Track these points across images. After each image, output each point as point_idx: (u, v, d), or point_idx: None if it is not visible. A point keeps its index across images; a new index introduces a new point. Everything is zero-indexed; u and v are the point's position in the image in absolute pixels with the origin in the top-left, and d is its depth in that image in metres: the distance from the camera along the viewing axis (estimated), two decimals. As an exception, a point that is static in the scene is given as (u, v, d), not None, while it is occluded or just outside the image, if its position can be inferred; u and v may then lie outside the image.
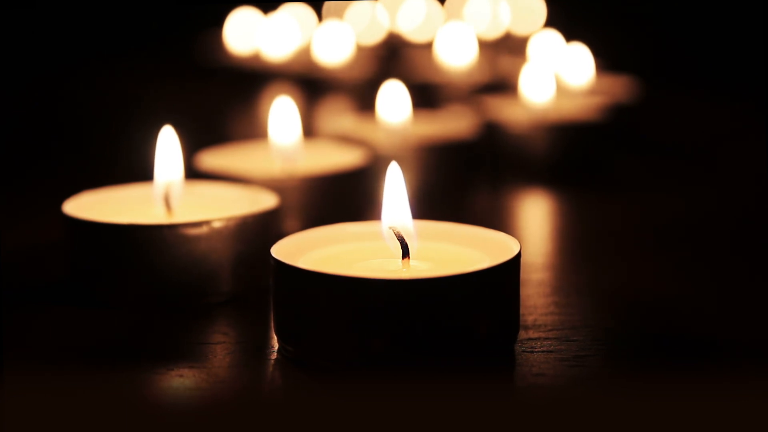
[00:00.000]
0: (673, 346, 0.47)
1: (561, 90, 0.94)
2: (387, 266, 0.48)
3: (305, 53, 1.34)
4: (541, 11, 1.58)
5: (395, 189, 0.49)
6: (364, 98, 1.13)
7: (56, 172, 0.88)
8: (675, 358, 0.46)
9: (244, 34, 1.45)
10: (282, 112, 0.70)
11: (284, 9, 1.51)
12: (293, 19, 1.44)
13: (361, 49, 1.36)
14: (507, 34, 1.52)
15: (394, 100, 0.81)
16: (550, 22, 1.54)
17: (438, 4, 1.61)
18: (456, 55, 1.20)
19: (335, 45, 1.31)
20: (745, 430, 0.39)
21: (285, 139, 0.70)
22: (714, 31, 1.45)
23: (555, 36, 1.17)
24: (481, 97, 0.94)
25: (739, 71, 1.35)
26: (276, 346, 0.47)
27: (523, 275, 0.51)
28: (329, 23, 1.41)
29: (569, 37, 1.16)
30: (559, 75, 1.00)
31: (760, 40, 1.30)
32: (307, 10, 1.54)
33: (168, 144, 0.58)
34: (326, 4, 1.59)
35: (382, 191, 0.49)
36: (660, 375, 0.44)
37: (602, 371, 0.45)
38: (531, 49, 1.17)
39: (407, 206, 0.49)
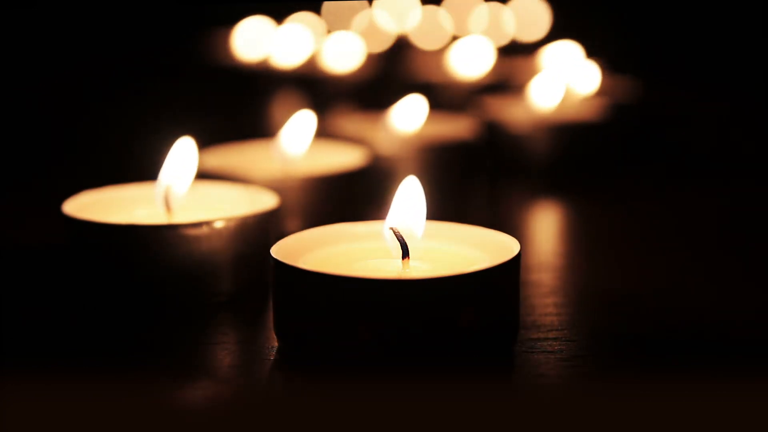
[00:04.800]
0: (673, 346, 0.47)
1: (569, 96, 0.94)
2: (387, 266, 0.48)
3: (312, 58, 1.34)
4: (545, 17, 1.58)
5: (409, 197, 0.49)
6: (365, 99, 1.13)
7: (56, 172, 0.88)
8: (675, 358, 0.46)
9: (253, 42, 1.46)
10: (299, 123, 0.70)
11: (294, 17, 1.51)
12: (303, 26, 1.44)
13: (366, 53, 1.36)
14: (513, 40, 1.52)
15: (411, 110, 0.81)
16: (555, 27, 1.54)
17: (438, 7, 1.61)
18: (468, 64, 1.20)
19: (340, 49, 1.31)
20: (745, 430, 0.39)
21: (296, 148, 0.70)
22: (715, 30, 1.45)
23: (567, 46, 1.17)
24: (482, 98, 0.94)
25: (740, 71, 1.35)
26: (276, 346, 0.47)
27: (523, 275, 0.51)
28: (333, 27, 1.41)
29: (575, 40, 1.16)
30: (570, 83, 1.00)
31: (761, 40, 1.30)
32: (314, 17, 1.54)
33: (182, 152, 0.57)
34: (325, 6, 1.59)
35: (392, 195, 0.49)
36: (660, 375, 0.44)
37: (602, 371, 0.45)
38: (544, 57, 1.17)
39: (422, 211, 0.49)
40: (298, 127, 0.70)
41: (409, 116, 0.81)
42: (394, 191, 0.49)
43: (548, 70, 1.02)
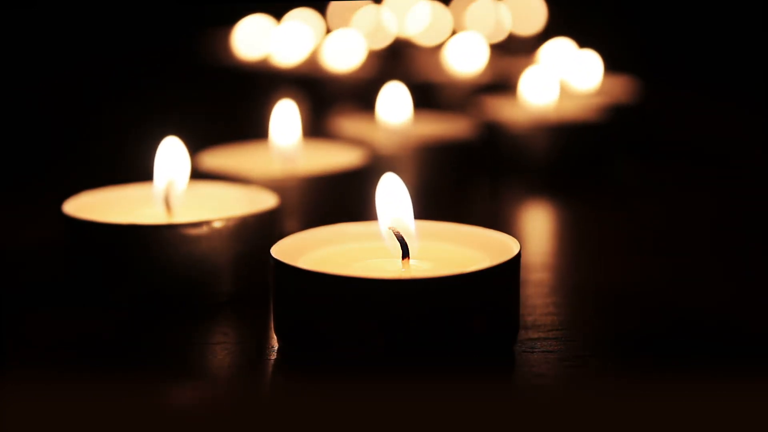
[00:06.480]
0: (673, 346, 0.47)
1: (564, 93, 0.94)
2: (387, 266, 0.48)
3: (313, 57, 1.34)
4: (542, 12, 1.58)
5: (395, 193, 0.49)
6: (366, 99, 1.13)
7: (56, 172, 0.88)
8: (674, 358, 0.46)
9: (254, 40, 1.45)
10: (283, 114, 0.70)
11: (294, 14, 1.51)
12: (304, 24, 1.44)
13: (367, 52, 1.36)
14: (510, 36, 1.52)
15: (394, 100, 0.82)
16: (551, 23, 1.54)
17: (444, 7, 1.61)
18: (464, 61, 1.20)
19: (343, 49, 1.30)
20: (745, 431, 0.39)
21: (285, 140, 0.70)
22: (716, 31, 1.45)
23: (565, 43, 1.17)
24: (481, 98, 0.94)
25: (740, 72, 1.35)
26: (276, 346, 0.47)
27: (523, 275, 0.51)
28: (336, 27, 1.41)
29: (574, 38, 1.16)
30: (566, 79, 1.00)
31: (761, 40, 1.30)
32: (315, 15, 1.54)
33: (172, 150, 0.58)
34: (331, 6, 1.59)
35: (377, 194, 0.49)
36: (659, 375, 0.44)
37: (602, 371, 0.45)
38: (541, 54, 1.17)
39: (409, 208, 0.49)
40: (285, 120, 0.70)
41: (395, 108, 0.81)
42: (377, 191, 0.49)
43: (541, 65, 1.02)
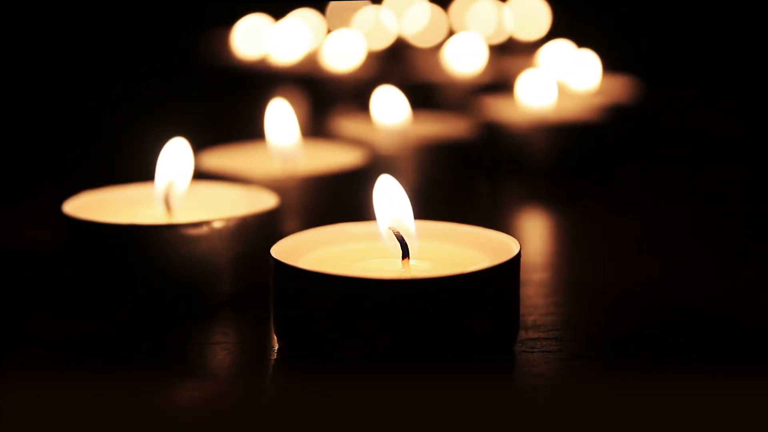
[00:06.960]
0: (673, 346, 0.47)
1: (564, 93, 0.94)
2: (387, 266, 0.48)
3: (313, 57, 1.34)
4: (545, 16, 1.58)
5: (393, 194, 0.49)
6: (366, 99, 1.13)
7: (56, 172, 0.88)
8: (674, 358, 0.46)
9: (253, 39, 1.45)
10: (279, 114, 0.70)
11: (294, 14, 1.51)
12: (302, 23, 1.44)
13: (367, 53, 1.36)
14: (510, 38, 1.52)
15: (390, 101, 0.82)
16: (555, 26, 1.54)
17: (441, 9, 1.60)
18: (463, 61, 1.20)
19: (343, 49, 1.30)
20: (745, 431, 0.39)
21: (285, 140, 0.70)
22: (716, 31, 1.45)
23: (564, 44, 1.17)
24: (480, 98, 0.94)
25: (740, 72, 1.35)
26: (276, 346, 0.47)
27: (523, 275, 0.51)
28: (335, 27, 1.41)
29: (574, 40, 1.16)
30: (565, 80, 1.00)
31: (762, 40, 1.30)
32: (315, 15, 1.54)
33: (177, 151, 0.57)
34: (330, 6, 1.59)
35: (374, 196, 0.49)
36: (659, 375, 0.44)
37: (602, 371, 0.45)
38: (540, 56, 1.17)
39: (408, 208, 0.49)
40: (279, 119, 0.70)
41: (392, 109, 0.81)
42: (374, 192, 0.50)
43: (538, 67, 1.02)
